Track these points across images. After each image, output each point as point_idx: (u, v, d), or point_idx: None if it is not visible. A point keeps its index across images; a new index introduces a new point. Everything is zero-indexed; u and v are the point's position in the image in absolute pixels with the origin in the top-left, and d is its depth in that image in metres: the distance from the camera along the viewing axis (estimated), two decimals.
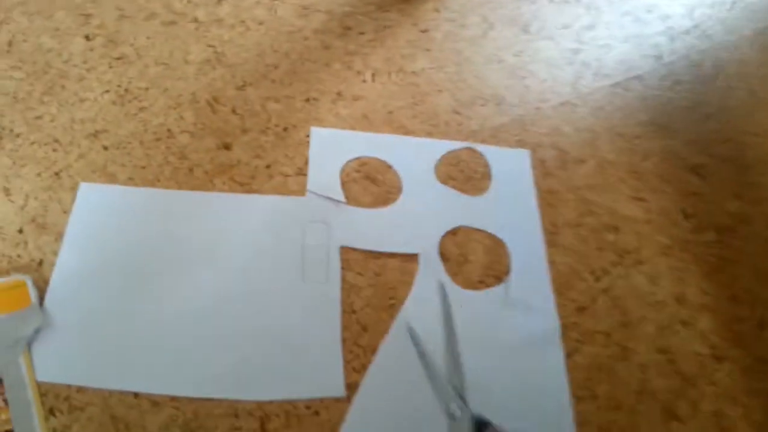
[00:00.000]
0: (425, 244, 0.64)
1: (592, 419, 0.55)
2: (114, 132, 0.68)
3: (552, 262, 0.63)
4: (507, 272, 0.63)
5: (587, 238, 0.65)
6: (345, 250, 0.62)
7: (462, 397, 0.42)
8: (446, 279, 0.62)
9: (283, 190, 0.66)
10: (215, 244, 0.62)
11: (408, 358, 0.56)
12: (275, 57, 0.77)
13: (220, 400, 0.53)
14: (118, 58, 0.74)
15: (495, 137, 0.72)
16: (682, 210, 0.68)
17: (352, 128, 0.71)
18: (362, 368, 0.56)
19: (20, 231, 0.60)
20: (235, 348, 0.56)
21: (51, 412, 0.52)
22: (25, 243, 0.60)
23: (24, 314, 0.55)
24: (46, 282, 0.58)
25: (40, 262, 0.59)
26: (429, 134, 0.71)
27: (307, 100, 0.73)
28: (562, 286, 0.62)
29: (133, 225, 0.62)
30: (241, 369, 0.55)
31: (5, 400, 0.51)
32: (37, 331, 0.55)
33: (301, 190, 0.66)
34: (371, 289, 0.60)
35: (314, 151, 0.69)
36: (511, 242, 0.65)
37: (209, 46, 0.77)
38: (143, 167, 0.65)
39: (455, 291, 0.61)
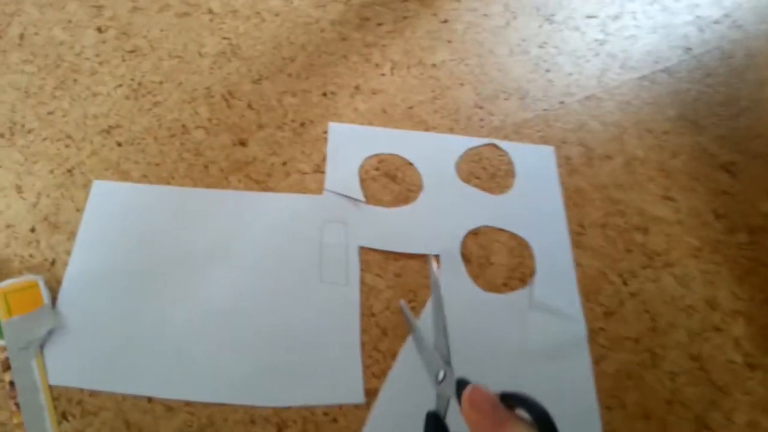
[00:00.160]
0: (446, 244, 0.62)
1: (621, 429, 0.53)
2: (127, 128, 0.66)
3: (578, 265, 0.61)
4: (531, 274, 0.61)
5: (615, 240, 0.63)
6: (364, 251, 0.61)
7: (448, 363, 0.42)
8: (467, 280, 0.60)
9: (299, 188, 0.64)
10: (231, 244, 0.60)
11: None
12: (292, 49, 0.75)
13: (236, 406, 0.52)
14: (131, 51, 0.72)
15: (518, 133, 0.70)
16: (712, 210, 0.66)
17: (371, 123, 0.69)
18: (382, 374, 0.54)
19: (32, 230, 0.59)
20: (251, 351, 0.55)
21: (63, 416, 0.51)
22: (38, 242, 0.58)
23: (36, 315, 0.54)
24: (58, 282, 0.57)
25: (53, 262, 0.58)
26: (450, 130, 0.69)
27: (324, 94, 0.71)
28: (588, 290, 0.60)
29: (147, 224, 0.61)
30: (257, 374, 0.54)
31: (17, 404, 0.50)
32: (50, 333, 0.54)
33: (319, 188, 0.64)
34: (391, 291, 0.58)
35: (332, 148, 0.67)
36: (536, 243, 0.63)
37: (224, 38, 0.75)
38: (157, 164, 0.64)
39: (477, 294, 0.59)
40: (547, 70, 0.76)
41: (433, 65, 0.75)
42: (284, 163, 0.65)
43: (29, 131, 0.65)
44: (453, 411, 0.38)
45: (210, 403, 0.52)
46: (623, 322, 0.58)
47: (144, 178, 0.63)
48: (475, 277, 0.60)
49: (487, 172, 0.67)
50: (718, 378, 0.56)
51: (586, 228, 0.64)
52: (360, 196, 0.64)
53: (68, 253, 0.58)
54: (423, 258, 0.61)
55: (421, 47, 0.77)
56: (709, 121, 0.72)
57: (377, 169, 0.66)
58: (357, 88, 0.72)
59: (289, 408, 0.52)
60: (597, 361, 0.56)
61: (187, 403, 0.52)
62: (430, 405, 0.48)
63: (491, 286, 0.60)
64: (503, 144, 0.69)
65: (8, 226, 0.59)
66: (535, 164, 0.68)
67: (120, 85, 0.69)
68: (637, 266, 0.62)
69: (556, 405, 0.53)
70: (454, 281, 0.60)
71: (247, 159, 0.65)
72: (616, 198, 0.66)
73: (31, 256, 0.57)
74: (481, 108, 0.72)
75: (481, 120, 0.71)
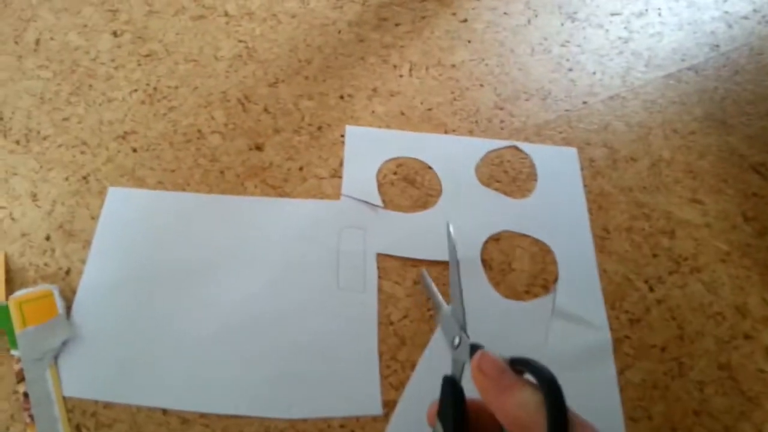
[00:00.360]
0: (467, 250, 0.60)
1: None
2: (143, 133, 0.65)
3: (603, 271, 0.60)
4: (554, 281, 0.59)
5: (640, 244, 0.61)
6: (382, 258, 0.59)
7: (463, 329, 0.43)
8: (488, 287, 0.59)
9: (316, 193, 0.63)
10: (247, 251, 0.59)
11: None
12: (308, 52, 0.74)
13: (251, 418, 0.51)
14: (147, 56, 0.72)
15: (540, 134, 0.68)
16: (742, 212, 0.64)
17: (389, 126, 0.68)
18: (400, 385, 0.53)
19: (47, 238, 0.59)
20: (267, 361, 0.54)
21: (78, 428, 0.50)
22: (53, 251, 0.58)
23: (51, 326, 0.53)
24: (73, 291, 0.56)
25: (68, 271, 0.57)
26: (470, 132, 0.68)
27: (342, 97, 0.70)
28: (613, 296, 0.58)
29: (162, 231, 0.60)
30: (273, 385, 0.53)
31: (31, 416, 0.50)
32: (65, 344, 0.53)
33: (336, 194, 0.63)
34: (409, 300, 0.57)
35: (349, 152, 0.66)
36: (559, 248, 0.61)
37: (240, 41, 0.74)
38: (173, 170, 0.63)
39: (498, 301, 0.58)
40: (570, 70, 0.74)
41: (453, 66, 0.74)
42: (301, 168, 0.64)
43: (45, 138, 0.64)
44: (468, 375, 0.38)
45: (225, 416, 0.51)
46: (649, 330, 0.57)
47: (159, 185, 0.62)
48: (496, 283, 0.59)
49: (508, 175, 0.66)
50: (749, 388, 0.54)
51: (611, 232, 0.62)
52: (378, 201, 0.63)
53: (83, 261, 0.58)
54: (443, 265, 0.59)
55: (440, 47, 0.76)
56: (737, 121, 0.70)
57: (395, 173, 0.65)
58: (375, 90, 0.71)
59: (305, 420, 0.51)
60: (622, 370, 0.55)
61: (202, 415, 0.51)
62: None
63: (512, 293, 0.59)
64: (524, 146, 0.68)
65: (23, 235, 0.58)
66: (558, 167, 0.67)
67: (135, 90, 0.69)
68: (664, 272, 0.60)
69: (581, 412, 0.52)
70: (474, 287, 0.58)
71: (263, 164, 0.64)
72: (641, 201, 0.64)
73: (45, 265, 0.57)
74: (501, 109, 0.70)
75: (502, 121, 0.69)
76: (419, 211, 0.63)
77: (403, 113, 0.69)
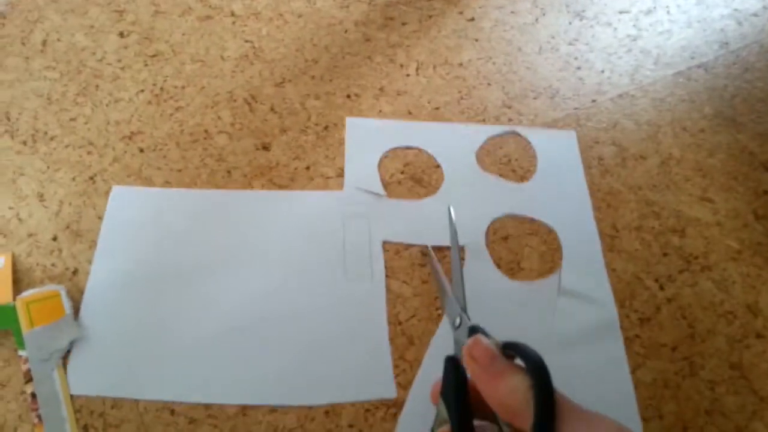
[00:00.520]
0: (471, 234, 0.61)
1: None
2: (149, 133, 0.65)
3: (612, 269, 0.59)
4: (559, 261, 0.60)
5: (650, 243, 0.61)
6: (389, 257, 0.59)
7: (464, 310, 0.45)
8: (494, 270, 0.59)
9: None
10: (253, 244, 0.60)
11: None
12: (315, 51, 0.74)
13: (259, 418, 0.51)
14: (153, 56, 0.71)
15: None
16: (753, 210, 0.63)
17: None
18: (409, 384, 0.53)
19: (54, 238, 0.59)
20: (279, 351, 0.54)
21: (85, 429, 0.50)
22: (60, 251, 0.58)
23: (58, 326, 0.53)
24: (80, 292, 0.56)
25: (75, 271, 0.57)
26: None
27: (348, 96, 0.70)
28: (623, 296, 0.58)
29: (168, 228, 0.60)
30: (287, 373, 0.53)
31: (39, 416, 0.50)
32: (72, 344, 0.53)
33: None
34: (417, 299, 0.57)
35: (350, 143, 0.66)
36: (562, 229, 0.62)
37: (246, 41, 0.74)
38: (179, 170, 0.63)
39: (505, 283, 0.58)
40: (578, 68, 0.74)
41: (460, 64, 0.74)
42: (308, 168, 0.64)
43: (52, 138, 0.64)
44: None
45: (234, 416, 0.51)
46: (660, 329, 0.56)
47: (166, 185, 0.62)
48: (502, 266, 0.59)
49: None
50: (761, 387, 0.54)
51: (620, 231, 0.62)
52: (381, 189, 0.63)
53: (90, 262, 0.57)
54: (448, 250, 0.59)
55: (447, 46, 0.75)
56: (747, 118, 0.70)
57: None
58: (381, 89, 0.71)
59: (313, 420, 0.51)
60: (633, 369, 0.54)
61: (210, 415, 0.51)
62: None
63: (518, 275, 0.59)
64: (524, 131, 0.68)
65: (30, 235, 0.58)
66: (558, 149, 0.67)
67: (142, 91, 0.68)
68: (674, 270, 0.59)
69: (592, 388, 0.53)
70: (480, 271, 0.59)
71: (270, 164, 0.64)
72: (651, 199, 0.63)
73: (53, 265, 0.57)
74: (509, 108, 0.70)
75: (510, 120, 0.69)
76: (422, 198, 0.63)
77: (410, 112, 0.69)
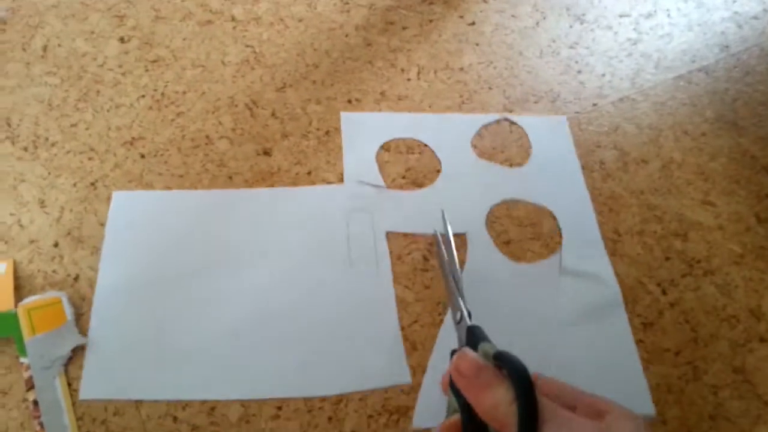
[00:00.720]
0: (471, 221, 0.62)
1: None
2: (150, 139, 0.65)
3: (615, 274, 0.59)
4: (559, 242, 0.61)
5: (652, 247, 0.61)
6: (392, 261, 0.59)
7: (462, 308, 0.46)
8: (497, 254, 0.60)
9: None
10: (257, 242, 0.60)
11: None
12: (315, 56, 0.73)
13: (262, 427, 0.50)
14: (154, 61, 0.71)
15: None
16: (755, 214, 0.63)
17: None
18: (412, 390, 0.52)
19: (56, 245, 0.58)
20: (291, 346, 0.54)
21: None
22: (61, 257, 0.58)
23: (60, 333, 0.53)
24: (82, 298, 0.56)
25: (76, 277, 0.57)
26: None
27: (350, 101, 0.70)
28: (626, 300, 0.58)
29: (172, 230, 0.60)
30: (300, 367, 0.53)
31: (41, 424, 0.49)
32: (75, 350, 0.53)
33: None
34: (420, 305, 0.57)
35: (347, 137, 0.67)
36: (559, 211, 0.63)
37: (247, 46, 0.74)
38: (181, 176, 0.63)
39: (508, 266, 0.59)
40: (579, 72, 0.74)
41: (461, 69, 0.74)
42: (309, 173, 0.64)
43: (52, 144, 0.64)
44: None
45: (236, 423, 0.51)
46: (663, 334, 0.56)
47: (168, 190, 0.62)
48: (504, 250, 0.60)
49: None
50: (765, 392, 0.54)
51: (622, 235, 0.61)
52: (380, 181, 0.64)
53: (92, 268, 0.57)
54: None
55: (448, 51, 0.75)
56: (749, 122, 0.70)
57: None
58: (382, 94, 0.71)
59: (317, 426, 0.51)
60: None
61: (213, 422, 0.50)
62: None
63: (521, 257, 0.60)
64: (516, 118, 0.69)
65: (32, 241, 0.58)
66: (549, 134, 0.69)
67: (143, 96, 0.68)
68: (677, 275, 0.59)
69: (599, 365, 0.54)
70: (483, 257, 0.60)
71: (271, 169, 0.64)
72: (653, 203, 0.63)
73: (54, 271, 0.57)
74: (510, 112, 0.70)
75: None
76: (421, 188, 0.64)
77: None
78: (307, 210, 0.62)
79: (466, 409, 0.38)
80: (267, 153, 0.65)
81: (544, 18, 0.79)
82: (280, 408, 0.51)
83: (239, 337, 0.54)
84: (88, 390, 0.51)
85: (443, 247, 0.53)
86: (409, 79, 0.72)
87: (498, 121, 0.69)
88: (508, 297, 0.58)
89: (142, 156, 0.64)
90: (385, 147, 0.67)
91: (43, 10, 0.75)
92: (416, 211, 0.62)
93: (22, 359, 0.51)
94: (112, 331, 0.54)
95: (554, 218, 0.63)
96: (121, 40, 0.73)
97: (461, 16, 0.79)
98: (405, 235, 0.61)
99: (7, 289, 0.55)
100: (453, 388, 0.40)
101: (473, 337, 0.43)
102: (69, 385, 0.51)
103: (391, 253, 0.60)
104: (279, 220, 0.61)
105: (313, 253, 0.59)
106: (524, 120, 0.69)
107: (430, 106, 0.70)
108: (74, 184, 0.62)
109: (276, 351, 0.54)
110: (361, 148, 0.66)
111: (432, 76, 0.73)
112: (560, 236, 0.61)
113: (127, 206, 0.61)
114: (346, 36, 0.76)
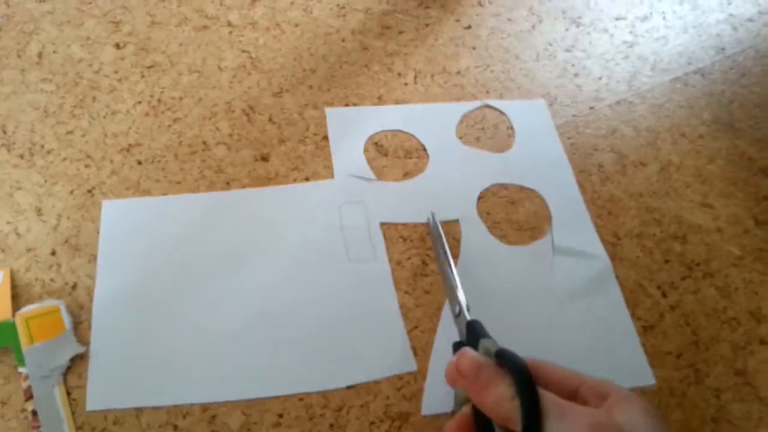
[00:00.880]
0: (463, 207, 0.63)
1: None
2: (147, 145, 0.65)
3: (615, 277, 0.59)
4: (549, 222, 0.62)
5: (652, 250, 0.61)
6: (392, 267, 0.59)
7: (460, 301, 0.48)
8: (490, 238, 0.61)
9: None
10: (251, 242, 0.60)
11: None
12: (312, 61, 0.73)
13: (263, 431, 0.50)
14: (150, 67, 0.71)
15: None
16: (753, 216, 0.63)
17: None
18: (413, 396, 0.52)
19: (53, 253, 0.58)
20: (296, 343, 0.54)
21: None
22: (59, 265, 0.57)
23: (58, 342, 0.53)
24: (80, 307, 0.55)
25: (74, 286, 0.56)
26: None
27: (347, 105, 0.70)
28: (626, 303, 0.58)
29: (165, 235, 0.60)
30: (306, 362, 0.53)
31: None
32: (74, 359, 0.52)
33: None
34: (420, 310, 0.57)
35: (333, 133, 0.68)
36: (547, 192, 0.64)
37: (243, 51, 0.73)
38: (178, 182, 0.63)
39: (501, 249, 0.60)
40: (576, 75, 0.74)
41: (458, 73, 0.74)
42: (307, 178, 0.64)
43: (49, 151, 0.64)
44: None
45: (237, 430, 0.50)
46: (664, 337, 0.56)
47: (159, 196, 0.62)
48: (496, 233, 0.61)
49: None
50: (766, 395, 0.54)
51: (621, 238, 0.61)
52: (370, 174, 0.65)
53: (89, 276, 0.57)
54: (443, 225, 0.61)
55: (445, 55, 0.75)
56: (746, 124, 0.70)
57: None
58: (380, 98, 0.71)
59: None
60: None
61: (214, 431, 0.50)
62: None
63: (513, 240, 0.61)
64: (497, 103, 0.71)
65: (29, 250, 0.58)
66: (531, 118, 0.70)
67: (139, 102, 0.68)
68: (676, 277, 0.59)
69: (597, 338, 0.56)
70: (477, 241, 0.61)
71: (269, 174, 0.64)
72: (651, 206, 0.63)
73: (51, 280, 0.56)
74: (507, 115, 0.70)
75: (509, 128, 0.69)
76: (410, 178, 0.65)
77: None
78: (300, 207, 0.62)
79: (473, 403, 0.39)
80: (264, 158, 0.65)
81: (540, 21, 0.79)
82: (281, 416, 0.51)
83: (241, 339, 0.54)
84: (94, 401, 0.51)
85: (440, 227, 0.57)
86: (406, 83, 0.72)
87: (479, 108, 0.70)
88: (503, 279, 0.59)
89: (139, 163, 0.64)
90: (371, 139, 0.67)
91: (38, 17, 0.74)
92: (408, 201, 0.63)
93: (21, 369, 0.51)
94: (113, 340, 0.54)
95: (542, 199, 0.64)
96: (117, 46, 0.73)
97: (457, 20, 0.79)
98: (403, 239, 0.60)
99: (5, 298, 0.54)
100: None
101: (473, 332, 0.44)
102: (68, 394, 0.51)
103: (390, 259, 0.59)
104: (273, 219, 0.61)
105: (309, 248, 0.60)
106: (504, 105, 0.71)
107: None
108: (71, 192, 0.61)
109: (279, 349, 0.54)
110: (348, 142, 0.67)
111: (429, 80, 0.73)
112: (550, 217, 0.62)
113: (118, 214, 0.61)
114: (343, 41, 0.76)
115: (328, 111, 0.69)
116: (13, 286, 0.56)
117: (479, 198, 0.63)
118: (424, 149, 0.67)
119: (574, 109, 0.71)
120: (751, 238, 0.62)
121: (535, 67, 0.74)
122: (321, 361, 0.54)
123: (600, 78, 0.74)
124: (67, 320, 0.54)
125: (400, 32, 0.77)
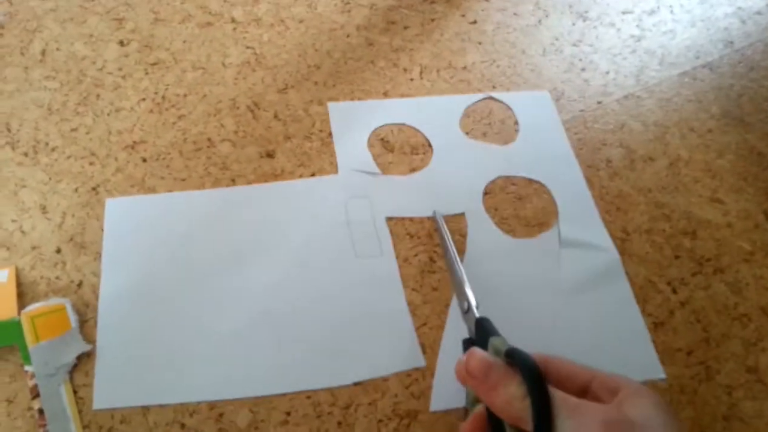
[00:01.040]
0: (469, 201, 0.63)
1: None
2: (152, 143, 0.64)
3: (624, 273, 0.58)
4: (555, 214, 0.61)
5: (662, 246, 0.60)
6: (399, 264, 0.58)
7: (468, 298, 0.48)
8: (496, 231, 0.61)
9: None
10: (257, 239, 0.59)
11: None
12: (317, 57, 0.73)
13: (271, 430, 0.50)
14: (154, 64, 0.71)
15: None
16: (764, 211, 0.63)
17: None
18: (421, 394, 0.52)
19: (58, 251, 0.58)
20: (304, 340, 0.54)
21: None
22: (64, 263, 0.57)
23: (64, 340, 0.52)
24: (86, 304, 0.55)
25: (80, 284, 0.56)
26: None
27: (352, 101, 0.69)
28: (636, 299, 0.57)
29: (170, 233, 0.59)
30: (314, 359, 0.53)
31: None
32: (80, 357, 0.52)
33: None
34: (428, 307, 0.56)
35: (336, 127, 0.67)
36: (553, 184, 0.64)
37: (248, 47, 0.73)
38: (183, 179, 0.62)
39: (508, 242, 0.60)
40: (583, 69, 0.73)
41: (464, 68, 0.73)
42: (313, 174, 0.63)
43: (53, 149, 0.63)
44: None
45: (244, 429, 0.50)
46: (674, 334, 0.56)
47: (163, 193, 0.61)
48: (503, 227, 0.60)
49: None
50: None
51: (631, 234, 0.61)
52: (375, 168, 0.64)
53: (95, 274, 0.56)
54: (449, 219, 0.61)
55: (451, 50, 0.75)
56: (755, 118, 0.69)
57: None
58: (385, 94, 0.70)
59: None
60: None
61: (221, 429, 0.50)
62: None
63: (520, 233, 0.60)
64: (500, 95, 0.70)
65: (34, 248, 0.57)
66: (535, 110, 0.70)
67: (143, 99, 0.68)
68: (687, 273, 0.59)
69: (605, 330, 0.55)
70: (483, 235, 0.61)
71: (274, 171, 0.63)
72: (661, 201, 0.63)
73: (57, 278, 0.56)
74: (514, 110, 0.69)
75: (516, 123, 0.68)
76: (415, 172, 0.64)
77: None
78: (304, 203, 0.62)
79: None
80: (270, 155, 0.64)
81: (547, 16, 0.79)
82: (289, 413, 0.50)
83: (248, 335, 0.54)
84: (100, 400, 0.50)
85: (444, 224, 0.57)
86: (411, 79, 0.72)
87: (482, 100, 0.70)
88: (511, 272, 0.58)
89: (144, 160, 0.63)
90: (375, 133, 0.67)
91: (41, 14, 0.74)
92: (414, 195, 0.63)
93: (27, 367, 0.51)
94: (120, 338, 0.53)
95: (548, 191, 0.63)
96: (121, 43, 0.72)
97: (463, 15, 0.78)
98: (410, 235, 0.60)
99: (10, 296, 0.54)
100: None
101: (482, 330, 0.44)
102: (75, 392, 0.50)
103: (397, 255, 0.59)
104: (278, 216, 0.61)
105: (315, 244, 0.59)
106: (508, 97, 0.70)
107: None
108: (75, 189, 0.61)
109: (286, 346, 0.54)
110: (351, 137, 0.67)
111: (435, 75, 0.72)
112: (556, 209, 0.62)
113: (123, 212, 0.60)
114: (348, 36, 0.75)
115: (331, 106, 0.69)
116: (19, 285, 0.55)
117: (486, 193, 0.63)
118: (429, 144, 0.66)
119: (582, 103, 0.70)
120: (761, 234, 0.61)
121: (541, 61, 0.74)
122: (328, 358, 0.53)
123: (607, 72, 0.73)
124: (72, 318, 0.53)
125: (406, 27, 0.77)
